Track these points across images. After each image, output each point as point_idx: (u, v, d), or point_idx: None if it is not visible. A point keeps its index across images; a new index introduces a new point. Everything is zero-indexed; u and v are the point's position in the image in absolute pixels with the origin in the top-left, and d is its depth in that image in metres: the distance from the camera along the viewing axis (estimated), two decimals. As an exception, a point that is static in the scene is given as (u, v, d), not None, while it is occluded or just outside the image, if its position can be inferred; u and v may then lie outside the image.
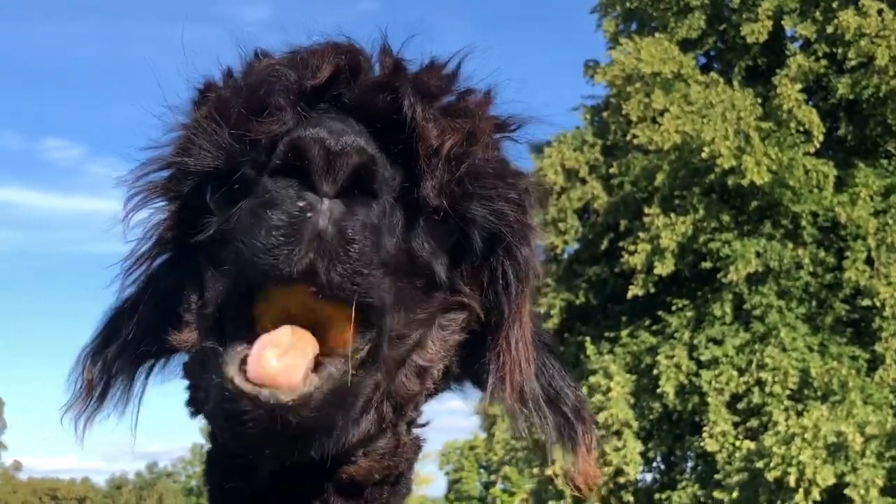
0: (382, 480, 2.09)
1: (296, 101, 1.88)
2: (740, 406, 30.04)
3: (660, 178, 31.04)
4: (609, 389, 30.57)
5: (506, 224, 2.03)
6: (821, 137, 30.26)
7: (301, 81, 1.89)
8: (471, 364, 2.22)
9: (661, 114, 31.22)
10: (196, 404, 2.13)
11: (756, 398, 29.50)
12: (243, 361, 1.73)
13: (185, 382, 2.22)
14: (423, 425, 2.23)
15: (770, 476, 26.79)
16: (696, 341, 30.68)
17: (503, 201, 2.02)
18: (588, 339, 32.83)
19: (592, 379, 31.02)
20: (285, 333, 1.74)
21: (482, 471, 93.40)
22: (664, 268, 30.40)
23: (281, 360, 1.70)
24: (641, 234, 31.41)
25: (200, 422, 2.22)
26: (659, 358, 30.61)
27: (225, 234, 1.89)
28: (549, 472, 32.39)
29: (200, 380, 1.96)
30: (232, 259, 1.79)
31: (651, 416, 31.66)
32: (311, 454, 1.79)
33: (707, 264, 30.87)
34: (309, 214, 1.69)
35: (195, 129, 2.01)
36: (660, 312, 31.90)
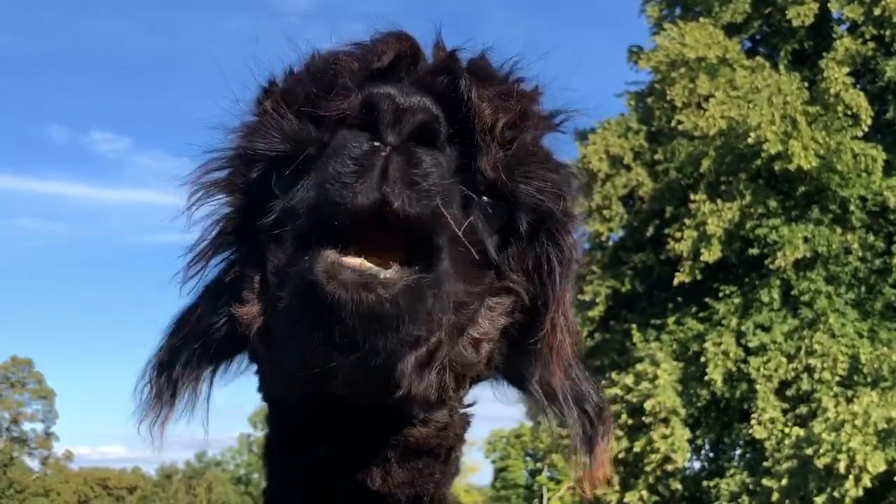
0: (436, 452, 2.18)
1: (362, 83, 1.99)
2: (789, 393, 29.86)
3: (705, 163, 30.85)
4: (656, 377, 30.49)
5: (551, 209, 2.13)
6: (869, 121, 29.95)
7: (366, 65, 2.02)
8: (511, 355, 2.28)
9: (707, 99, 31.04)
10: (267, 380, 2.22)
11: (805, 385, 29.31)
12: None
13: (253, 368, 2.33)
14: (470, 405, 2.30)
15: (820, 463, 26.61)
16: (743, 328, 30.50)
17: (549, 186, 2.11)
18: (634, 326, 32.76)
19: (639, 366, 30.95)
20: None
21: (528, 459, 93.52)
22: (711, 254, 30.23)
23: (356, 260, 1.80)
24: (687, 221, 31.24)
25: (250, 411, 2.30)
26: (706, 345, 30.48)
27: (289, 211, 2.00)
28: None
29: (273, 317, 2.02)
30: (308, 201, 1.89)
31: (699, 404, 31.54)
32: (395, 345, 1.84)
33: (754, 250, 30.66)
34: (381, 152, 1.79)
35: (262, 118, 2.14)
36: (707, 299, 31.73)
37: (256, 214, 2.14)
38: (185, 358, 2.36)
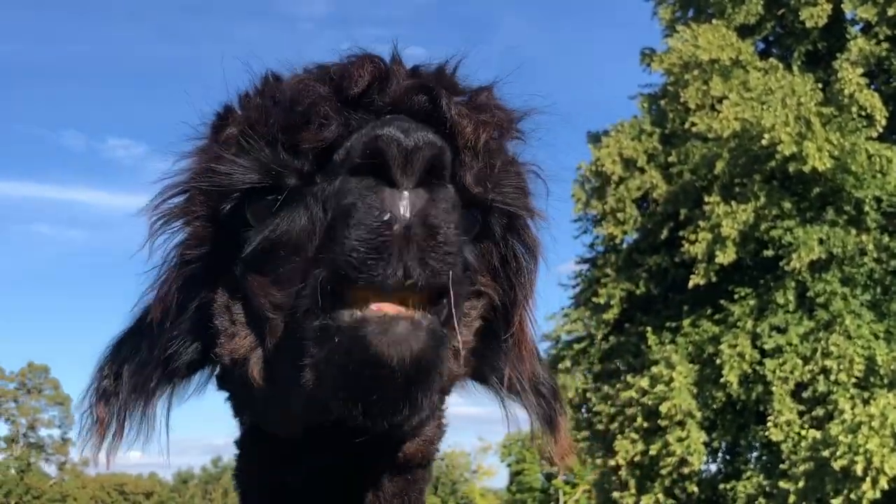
0: (422, 463, 2.22)
1: (340, 109, 1.97)
2: (805, 395, 29.77)
3: (719, 165, 30.79)
4: (671, 380, 30.44)
5: (519, 209, 2.18)
6: (883, 122, 29.88)
7: (342, 90, 1.99)
8: (479, 355, 2.31)
9: (720, 101, 30.99)
10: (253, 409, 2.20)
11: (821, 386, 29.21)
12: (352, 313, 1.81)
13: (225, 394, 2.35)
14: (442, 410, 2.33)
15: (836, 465, 26.52)
16: (759, 330, 30.43)
17: (517, 188, 2.16)
18: (649, 329, 32.71)
19: (654, 369, 30.91)
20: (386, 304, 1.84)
21: (544, 462, 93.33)
22: (726, 256, 30.17)
23: (389, 307, 1.79)
24: (702, 223, 31.18)
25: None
26: (722, 347, 30.42)
27: (275, 243, 2.01)
28: (612, 462, 32.37)
29: (275, 366, 2.01)
30: (322, 260, 1.85)
31: (714, 406, 31.46)
32: (416, 400, 1.84)
33: (769, 252, 30.58)
34: (395, 225, 1.78)
35: (226, 146, 2.11)
36: (722, 301, 31.66)
37: (226, 244, 2.14)
38: (133, 383, 2.34)
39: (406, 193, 1.80)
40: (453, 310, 1.87)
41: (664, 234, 33.13)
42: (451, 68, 2.12)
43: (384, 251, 1.77)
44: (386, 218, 1.78)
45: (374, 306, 1.79)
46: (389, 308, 1.79)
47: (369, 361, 1.76)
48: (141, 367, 2.33)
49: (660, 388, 30.57)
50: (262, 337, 2.04)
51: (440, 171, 1.84)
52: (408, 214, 1.78)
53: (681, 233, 32.26)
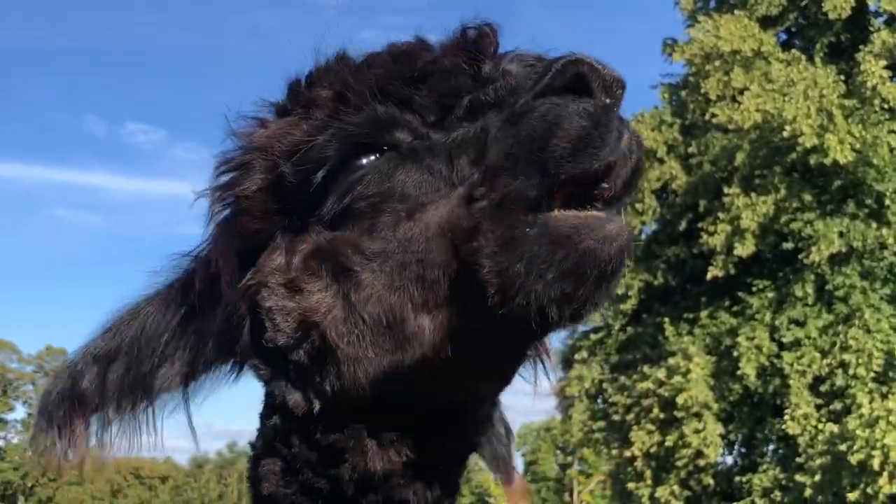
0: (485, 430, 2.28)
1: (471, 61, 2.02)
2: (823, 388, 29.67)
3: (740, 157, 30.67)
4: (688, 371, 30.39)
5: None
6: (906, 115, 29.67)
7: (474, 45, 2.04)
8: None
9: (741, 92, 30.82)
10: (312, 379, 2.08)
11: (839, 380, 29.10)
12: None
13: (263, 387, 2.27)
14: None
15: (853, 459, 26.44)
16: (777, 322, 30.33)
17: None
18: (667, 319, 32.65)
19: (671, 360, 30.86)
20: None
21: (559, 452, 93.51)
22: (744, 248, 30.07)
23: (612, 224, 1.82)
24: (721, 215, 31.07)
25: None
26: (739, 339, 30.33)
27: (381, 196, 1.99)
28: (628, 452, 32.34)
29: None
30: (529, 151, 1.82)
31: (731, 398, 31.38)
32: (598, 305, 1.84)
33: (789, 245, 30.45)
34: (610, 112, 1.81)
35: (319, 106, 2.10)
36: (740, 293, 31.57)
37: (292, 212, 2.11)
38: (135, 383, 2.28)
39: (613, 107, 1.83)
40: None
41: (683, 225, 33.05)
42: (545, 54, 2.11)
43: (608, 124, 1.78)
44: (601, 104, 1.80)
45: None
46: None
47: (588, 255, 1.76)
48: (140, 369, 2.27)
49: (677, 379, 30.53)
50: (346, 294, 1.99)
51: (621, 104, 1.87)
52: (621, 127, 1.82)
53: (700, 224, 32.17)
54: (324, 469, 2.09)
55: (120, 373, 2.27)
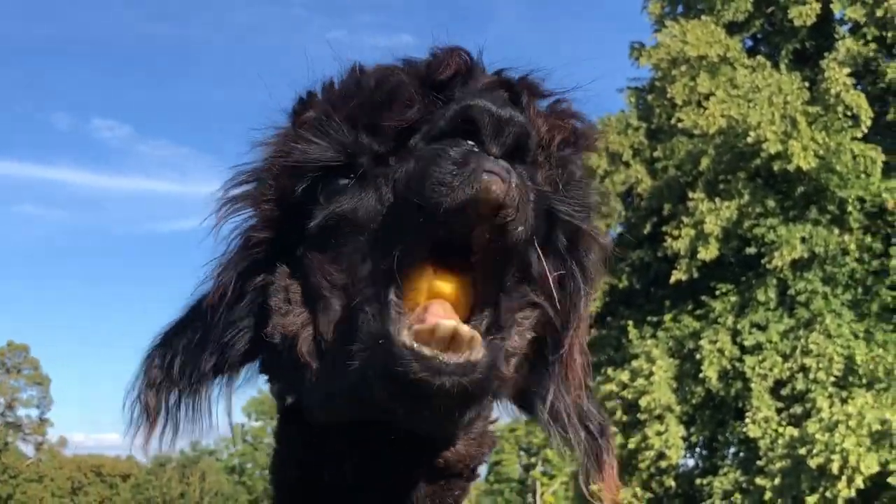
0: (461, 471, 2.20)
1: (424, 93, 2.02)
2: (784, 392, 29.90)
3: (704, 162, 30.89)
4: (651, 373, 30.55)
5: (583, 227, 2.18)
6: (868, 122, 29.95)
7: (428, 76, 2.04)
8: (525, 377, 2.29)
9: (707, 97, 31.06)
10: (292, 388, 2.19)
11: (800, 384, 29.35)
12: (410, 325, 1.82)
13: (264, 377, 2.36)
14: (493, 421, 2.32)
15: (813, 463, 26.67)
16: (739, 326, 30.55)
17: (584, 205, 2.17)
18: (631, 322, 32.80)
19: (635, 363, 31.00)
20: (441, 303, 1.87)
21: (522, 453, 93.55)
22: (708, 253, 30.27)
23: (449, 326, 1.79)
24: (685, 219, 31.26)
25: (244, 401, 2.28)
26: (702, 343, 30.53)
27: (339, 220, 2.04)
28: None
29: (335, 347, 2.01)
30: (403, 195, 1.88)
31: (693, 401, 31.57)
32: (462, 419, 1.88)
33: (751, 249, 30.69)
34: (482, 160, 1.80)
35: (305, 128, 2.15)
36: (703, 297, 31.78)
37: (290, 227, 2.17)
38: (186, 373, 2.34)
39: (494, 159, 1.81)
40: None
41: (648, 228, 33.21)
42: (534, 75, 2.14)
43: (471, 160, 1.79)
44: (469, 148, 1.81)
45: (430, 312, 1.82)
46: (443, 313, 1.82)
47: (417, 387, 1.77)
48: (194, 356, 2.33)
49: (640, 381, 30.68)
50: (315, 315, 2.05)
51: (524, 151, 1.86)
52: (497, 168, 1.80)
53: (664, 228, 32.35)
54: (307, 461, 2.17)
55: (184, 353, 2.35)
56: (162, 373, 2.36)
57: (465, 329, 1.80)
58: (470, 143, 1.82)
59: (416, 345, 1.78)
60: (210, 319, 2.30)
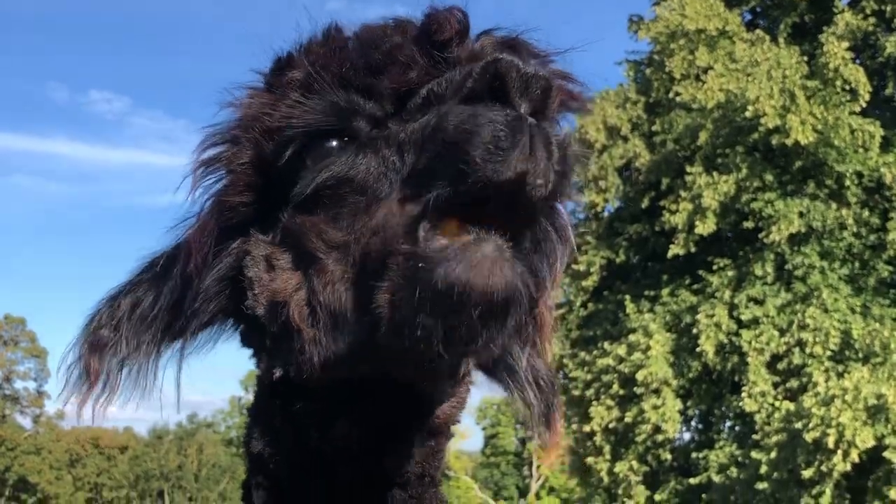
0: (447, 429, 2.24)
1: (427, 52, 1.99)
2: (780, 366, 29.96)
3: (703, 136, 30.83)
4: (648, 348, 30.61)
5: (563, 189, 2.09)
6: (867, 96, 29.85)
7: (428, 35, 2.00)
8: None
9: (705, 71, 30.99)
10: (281, 355, 2.13)
11: (796, 359, 29.40)
12: (445, 248, 1.79)
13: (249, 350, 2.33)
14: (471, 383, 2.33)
15: (809, 437, 26.74)
16: (736, 301, 30.57)
17: (563, 168, 2.06)
18: (628, 297, 32.82)
19: (632, 337, 31.05)
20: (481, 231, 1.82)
21: (518, 427, 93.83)
22: (706, 227, 30.27)
23: (487, 247, 1.77)
24: (683, 193, 31.24)
25: (242, 373, 2.26)
26: (699, 317, 30.55)
27: (338, 183, 2.01)
28: (587, 427, 32.55)
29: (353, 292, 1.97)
30: (436, 164, 1.83)
31: (690, 375, 31.63)
32: (502, 331, 1.82)
33: (749, 224, 30.68)
34: (522, 121, 1.77)
35: (291, 89, 2.11)
36: (700, 272, 31.79)
37: (271, 191, 2.14)
38: (137, 336, 2.30)
39: (531, 122, 1.78)
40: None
41: (645, 203, 33.20)
42: (526, 34, 2.13)
43: (518, 132, 1.75)
44: (512, 116, 1.77)
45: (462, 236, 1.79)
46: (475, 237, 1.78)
47: (458, 291, 1.73)
48: (145, 320, 2.30)
49: (636, 355, 30.74)
50: (309, 278, 2.02)
51: (548, 107, 1.84)
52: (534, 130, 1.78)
53: (662, 202, 32.33)
54: (295, 434, 2.15)
55: (132, 316, 2.31)
56: (107, 334, 2.31)
57: (504, 246, 1.78)
58: (508, 110, 1.77)
59: (456, 247, 1.76)
60: (179, 283, 2.26)
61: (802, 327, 29.26)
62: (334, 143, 2.04)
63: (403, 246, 1.82)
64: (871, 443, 26.33)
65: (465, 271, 1.72)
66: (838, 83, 29.77)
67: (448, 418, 2.19)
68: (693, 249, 31.21)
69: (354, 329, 1.93)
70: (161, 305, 2.29)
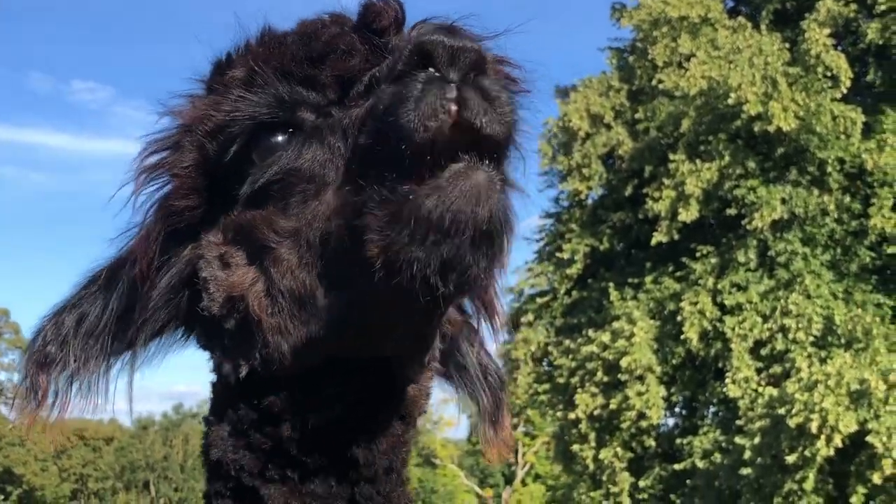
0: (413, 418, 2.25)
1: (365, 42, 2.04)
2: (763, 352, 30.05)
3: (685, 123, 30.87)
4: (632, 335, 30.66)
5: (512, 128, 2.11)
6: (848, 83, 29.92)
7: (366, 24, 2.05)
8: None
9: (688, 59, 31.04)
10: (243, 351, 2.14)
11: (779, 345, 29.50)
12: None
13: (208, 353, 2.34)
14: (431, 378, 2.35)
15: (792, 422, 26.83)
16: (719, 287, 30.66)
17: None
18: (612, 284, 32.88)
19: (616, 324, 31.12)
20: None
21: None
22: (689, 214, 30.34)
23: (478, 176, 1.79)
24: (666, 181, 31.29)
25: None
26: (682, 304, 30.62)
27: (286, 174, 2.04)
28: (572, 415, 32.63)
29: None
30: (381, 132, 1.85)
31: (674, 362, 31.72)
32: (482, 276, 1.84)
33: (732, 211, 30.75)
34: (451, 80, 1.81)
35: (233, 85, 2.14)
36: (684, 259, 31.85)
37: (216, 192, 2.16)
38: (85, 350, 2.29)
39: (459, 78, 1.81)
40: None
41: (629, 190, 33.25)
42: (462, 21, 2.11)
43: (440, 93, 1.78)
44: (436, 76, 1.80)
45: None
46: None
47: (458, 220, 1.76)
48: (95, 333, 2.29)
49: (621, 342, 30.80)
50: (265, 269, 2.05)
51: (481, 69, 1.85)
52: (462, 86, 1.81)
53: (645, 190, 32.37)
54: (265, 430, 2.15)
55: (79, 330, 2.31)
56: (54, 351, 2.30)
57: (494, 175, 1.81)
58: (431, 72, 1.80)
59: (454, 189, 1.77)
60: (121, 293, 2.27)
61: (785, 313, 29.36)
62: (280, 138, 2.07)
63: (400, 191, 1.82)
64: (853, 428, 26.43)
65: (459, 200, 1.75)
66: (820, 70, 29.85)
67: (415, 402, 2.21)
68: (676, 237, 31.29)
69: (325, 308, 1.96)
70: (108, 317, 2.29)
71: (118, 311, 2.29)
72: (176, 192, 2.20)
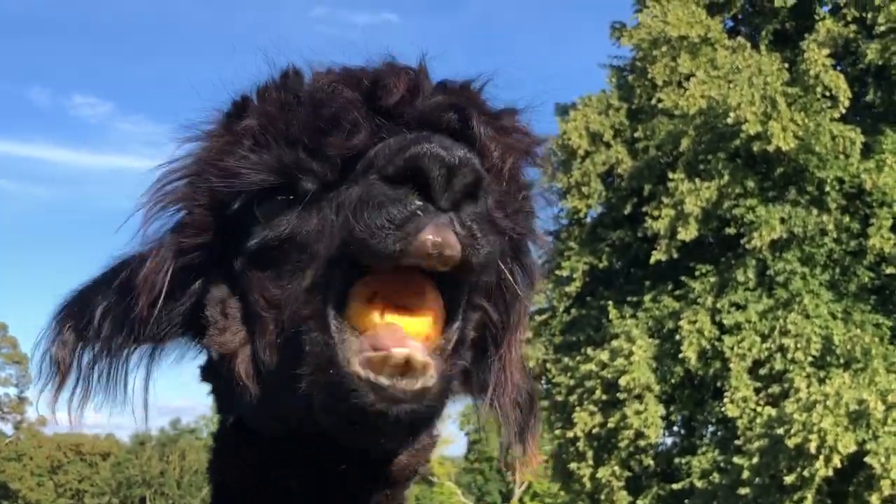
0: (407, 479, 2.21)
1: (371, 117, 1.96)
2: (762, 372, 30.04)
3: (685, 142, 30.91)
4: (631, 353, 30.63)
5: (526, 233, 2.17)
6: (847, 103, 30.00)
7: (374, 98, 1.98)
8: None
9: (687, 78, 31.11)
10: (232, 402, 2.16)
11: (778, 364, 29.49)
12: (361, 352, 1.79)
13: (208, 385, 2.33)
14: (437, 436, 2.34)
15: (790, 443, 26.80)
16: (718, 306, 30.65)
17: (526, 212, 2.15)
18: (611, 303, 32.86)
19: (615, 343, 31.09)
20: (396, 328, 1.81)
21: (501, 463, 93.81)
22: (688, 233, 30.35)
23: (403, 353, 1.76)
24: (665, 199, 31.32)
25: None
26: (681, 323, 30.60)
27: (281, 241, 2.00)
28: (570, 433, 32.58)
29: (281, 371, 1.97)
30: (338, 244, 1.84)
31: (672, 381, 31.69)
32: (414, 442, 1.91)
33: (731, 230, 30.78)
34: (431, 214, 1.76)
35: (242, 141, 2.09)
36: (683, 277, 31.85)
37: (229, 235, 2.12)
38: (107, 333, 2.27)
39: (443, 214, 1.77)
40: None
41: (628, 209, 33.26)
42: (478, 85, 2.11)
43: (412, 220, 1.75)
44: (418, 209, 1.76)
45: (381, 337, 1.77)
46: (394, 339, 1.77)
47: (372, 418, 1.76)
48: (115, 324, 2.26)
49: (619, 361, 30.76)
50: (254, 334, 2.03)
51: (476, 195, 1.81)
52: (446, 222, 1.77)
53: (644, 208, 32.39)
54: (255, 475, 2.15)
55: (106, 312, 2.28)
56: (79, 326, 2.28)
57: (419, 356, 1.76)
58: (417, 203, 1.76)
59: (371, 375, 1.75)
60: (135, 304, 2.22)
61: (784, 333, 29.35)
62: (283, 198, 2.03)
63: (315, 337, 1.84)
64: (852, 448, 26.41)
65: (385, 402, 1.74)
66: (819, 90, 29.93)
67: (406, 468, 2.16)
68: (675, 255, 31.29)
69: (287, 394, 1.93)
70: (122, 317, 2.26)
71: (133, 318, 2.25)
72: (190, 227, 2.17)
